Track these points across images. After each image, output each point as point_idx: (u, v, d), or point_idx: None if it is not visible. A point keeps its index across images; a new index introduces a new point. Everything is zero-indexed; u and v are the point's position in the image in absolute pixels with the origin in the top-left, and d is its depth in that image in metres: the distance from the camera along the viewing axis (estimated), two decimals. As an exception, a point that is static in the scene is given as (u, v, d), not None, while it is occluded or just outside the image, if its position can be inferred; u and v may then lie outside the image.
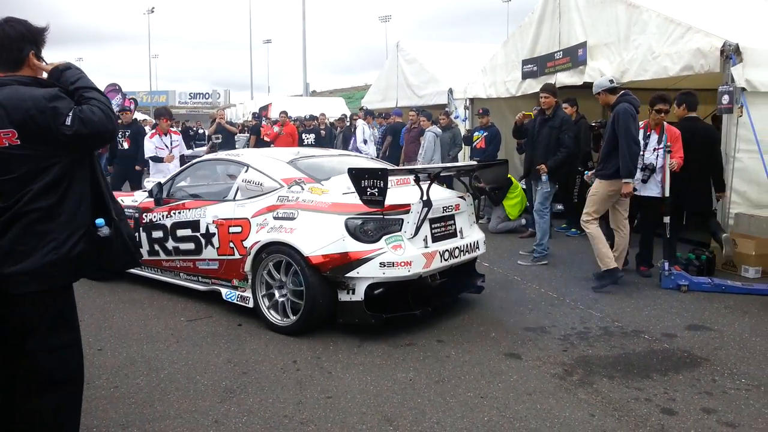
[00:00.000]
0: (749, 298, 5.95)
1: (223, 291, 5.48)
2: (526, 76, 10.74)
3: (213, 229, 5.51)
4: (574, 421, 3.58)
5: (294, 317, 4.92)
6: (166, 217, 5.94)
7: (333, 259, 4.72)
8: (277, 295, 5.07)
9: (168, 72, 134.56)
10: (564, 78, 9.50)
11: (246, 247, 5.20)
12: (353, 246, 4.74)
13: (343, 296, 4.83)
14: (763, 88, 6.97)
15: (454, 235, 5.35)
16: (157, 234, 6.01)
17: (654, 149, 6.52)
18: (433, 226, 5.12)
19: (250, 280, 5.20)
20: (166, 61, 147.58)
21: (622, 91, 6.56)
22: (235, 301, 5.36)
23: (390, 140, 12.51)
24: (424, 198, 4.91)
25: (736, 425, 3.54)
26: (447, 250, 5.14)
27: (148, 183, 7.91)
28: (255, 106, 31.29)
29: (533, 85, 10.57)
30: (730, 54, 6.83)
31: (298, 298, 4.90)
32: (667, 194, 6.45)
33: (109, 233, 2.71)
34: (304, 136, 14.52)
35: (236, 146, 15.34)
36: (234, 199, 5.52)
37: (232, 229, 5.37)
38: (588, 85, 7.69)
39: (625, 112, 6.21)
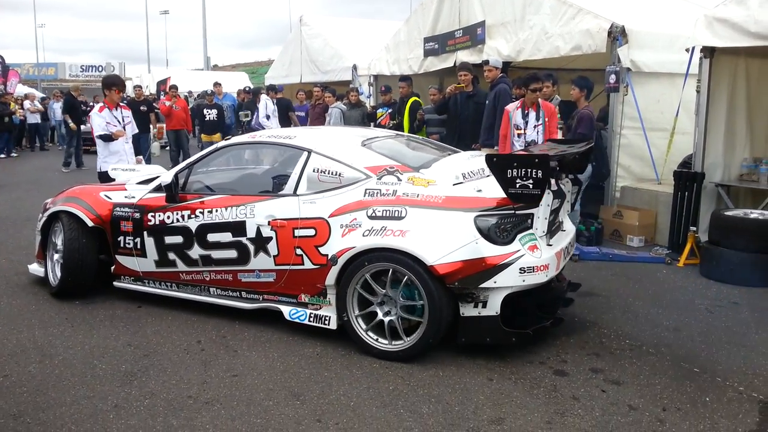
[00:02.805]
0: (633, 266, 6.39)
1: (285, 309, 4.50)
2: (427, 53, 10.88)
3: (268, 232, 4.47)
4: (474, 386, 3.75)
5: (408, 339, 4.07)
6: (189, 217, 4.79)
7: (465, 266, 3.88)
8: (380, 313, 4.16)
9: (57, 43, 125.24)
10: (464, 56, 9.70)
11: (326, 255, 4.26)
12: (489, 250, 3.91)
13: (469, 310, 4.00)
14: (646, 69, 7.44)
15: (560, 228, 4.66)
16: (174, 239, 4.86)
17: (534, 126, 6.81)
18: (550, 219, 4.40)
19: (331, 296, 4.32)
20: (54, 31, 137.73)
21: (501, 75, 7.64)
22: (305, 322, 4.41)
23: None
24: (554, 188, 4.25)
25: (621, 382, 3.82)
26: (565, 247, 4.46)
27: (108, 167, 6.51)
28: (152, 80, 30.00)
29: (435, 63, 10.75)
30: (617, 35, 7.22)
31: (409, 316, 4.11)
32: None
33: None
34: (205, 111, 14.06)
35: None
36: (296, 194, 4.48)
37: (300, 233, 4.37)
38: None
39: (505, 92, 7.41)
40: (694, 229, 6.51)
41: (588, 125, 6.79)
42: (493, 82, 7.59)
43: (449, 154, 5.07)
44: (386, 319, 4.14)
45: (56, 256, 5.33)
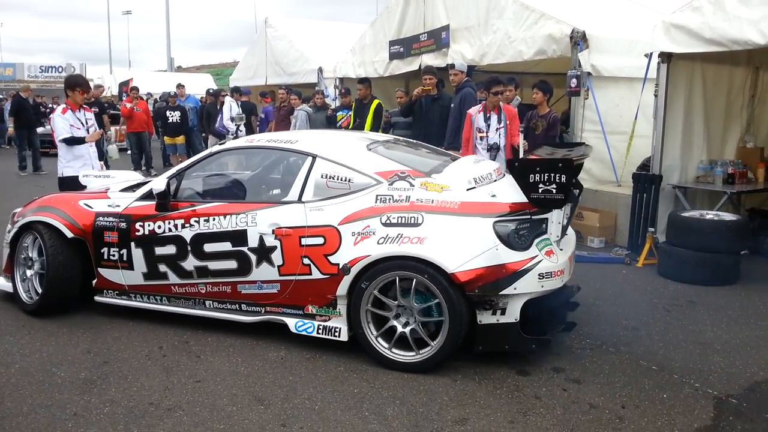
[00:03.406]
0: (594, 266, 6.49)
1: (290, 322, 4.32)
2: (393, 56, 10.94)
3: (272, 241, 4.27)
4: (438, 387, 3.78)
5: (427, 349, 3.96)
6: (183, 227, 4.53)
7: (486, 273, 3.81)
8: (395, 323, 4.05)
9: (15, 43, 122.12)
10: (429, 60, 9.78)
11: (336, 264, 4.10)
12: (509, 256, 3.87)
13: (487, 318, 3.92)
14: (606, 73, 7.61)
15: (565, 232, 4.53)
16: (166, 250, 4.58)
17: (496, 129, 6.89)
18: None
19: (341, 307, 4.17)
20: (12, 30, 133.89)
21: (467, 78, 7.72)
22: (313, 334, 4.24)
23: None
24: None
25: (582, 381, 3.90)
26: (573, 251, 4.46)
27: (71, 172, 6.21)
28: (114, 81, 29.51)
29: (400, 66, 10.81)
30: (578, 40, 7.37)
31: (424, 325, 4.02)
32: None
33: None
34: (168, 113, 13.88)
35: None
36: (301, 201, 4.32)
37: (308, 241, 4.19)
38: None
39: (471, 96, 7.46)
40: (653, 229, 6.66)
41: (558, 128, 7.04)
42: (459, 86, 7.68)
43: (452, 159, 5.02)
44: (406, 330, 4.02)
45: (30, 272, 4.99)
